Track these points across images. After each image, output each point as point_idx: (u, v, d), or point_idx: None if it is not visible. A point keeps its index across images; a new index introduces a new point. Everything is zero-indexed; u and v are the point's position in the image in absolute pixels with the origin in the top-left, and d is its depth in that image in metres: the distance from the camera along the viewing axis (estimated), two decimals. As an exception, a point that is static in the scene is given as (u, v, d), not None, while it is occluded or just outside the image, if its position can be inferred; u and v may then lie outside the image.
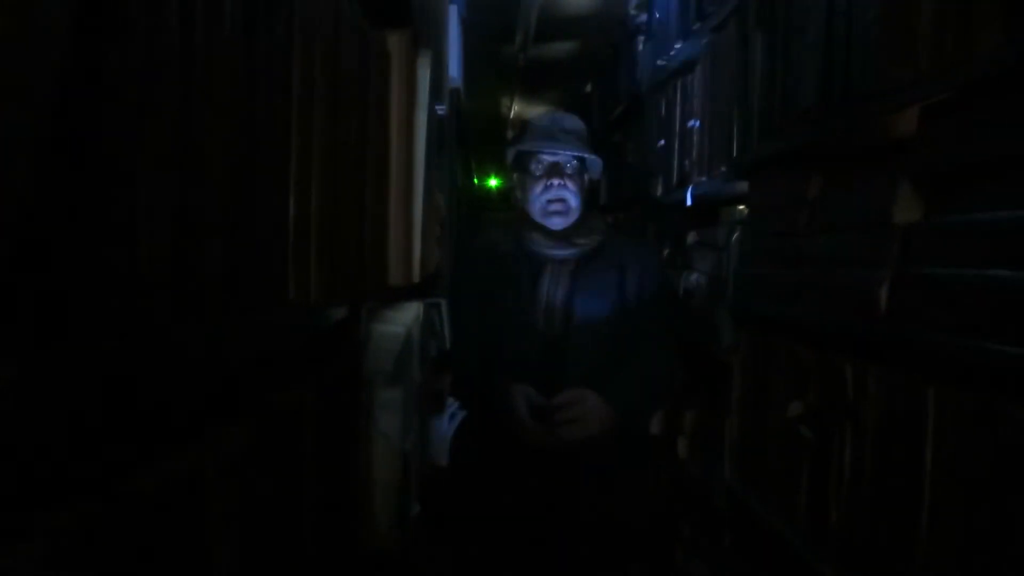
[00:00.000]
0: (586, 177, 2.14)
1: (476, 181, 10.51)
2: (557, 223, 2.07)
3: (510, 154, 2.17)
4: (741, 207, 2.36)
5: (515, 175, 2.20)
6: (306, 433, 0.86)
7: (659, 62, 3.04)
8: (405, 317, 1.43)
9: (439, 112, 2.32)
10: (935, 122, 1.20)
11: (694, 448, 2.41)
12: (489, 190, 11.92)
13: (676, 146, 2.78)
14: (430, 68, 1.48)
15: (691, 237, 2.86)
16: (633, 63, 3.75)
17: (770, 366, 1.82)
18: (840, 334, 1.45)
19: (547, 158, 2.07)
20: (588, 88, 4.97)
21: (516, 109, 6.03)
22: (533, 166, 2.08)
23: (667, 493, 2.50)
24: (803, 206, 1.67)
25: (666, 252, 3.02)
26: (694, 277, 2.52)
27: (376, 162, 1.16)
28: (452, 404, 2.12)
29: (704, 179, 2.36)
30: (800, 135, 1.62)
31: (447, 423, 2.04)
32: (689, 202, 2.45)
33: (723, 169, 2.13)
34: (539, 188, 2.07)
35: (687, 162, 2.63)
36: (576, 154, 2.06)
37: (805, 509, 1.60)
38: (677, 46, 2.79)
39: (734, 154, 2.09)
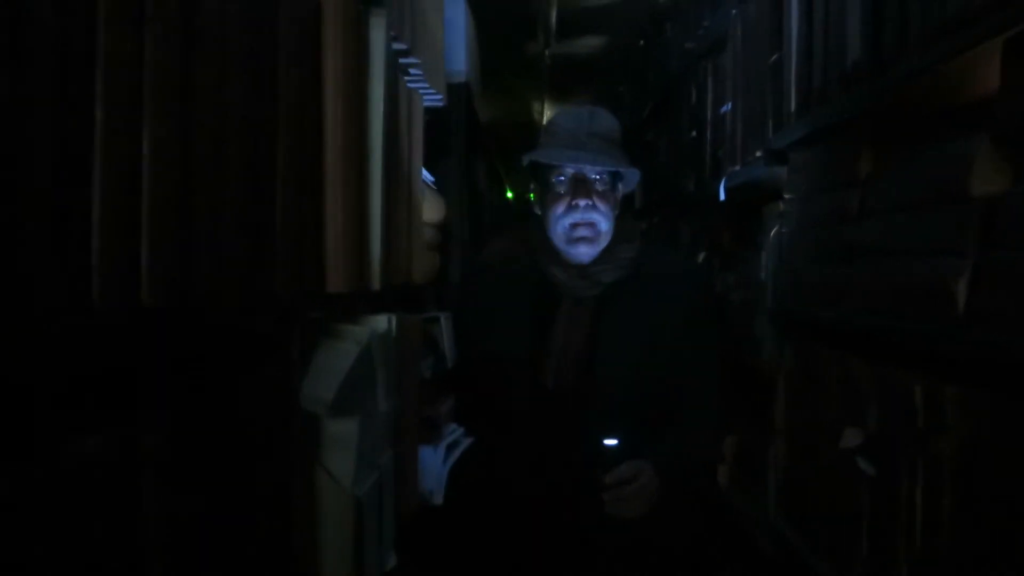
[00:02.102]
0: (620, 191, 1.75)
1: (510, 194, 10.18)
2: (584, 252, 1.70)
3: (525, 160, 1.80)
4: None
5: (533, 184, 1.86)
6: (144, 487, 0.61)
7: (687, 45, 2.75)
8: (362, 332, 1.17)
9: (434, 103, 2.06)
10: (1024, 60, 0.90)
11: (736, 477, 2.10)
12: (523, 201, 11.62)
13: (708, 135, 2.49)
14: (386, 33, 1.23)
15: (728, 237, 2.56)
16: (662, 52, 3.46)
17: (820, 383, 1.51)
18: (904, 343, 1.15)
19: (572, 171, 1.69)
20: (621, 88, 4.69)
21: (547, 114, 5.75)
22: (554, 180, 1.69)
23: (708, 517, 2.18)
24: (852, 187, 1.37)
25: (701, 255, 2.72)
26: (731, 281, 2.21)
27: (297, 140, 0.91)
28: (453, 431, 1.84)
29: (737, 168, 2.06)
30: (845, 100, 1.32)
31: (442, 455, 1.76)
32: (722, 196, 2.15)
33: (757, 154, 1.83)
34: (560, 208, 1.68)
35: (720, 152, 2.33)
36: (609, 168, 1.68)
37: (865, 562, 1.29)
38: (705, 24, 2.51)
39: (769, 136, 1.79)
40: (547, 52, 4.24)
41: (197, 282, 0.67)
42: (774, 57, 1.77)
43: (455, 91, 2.63)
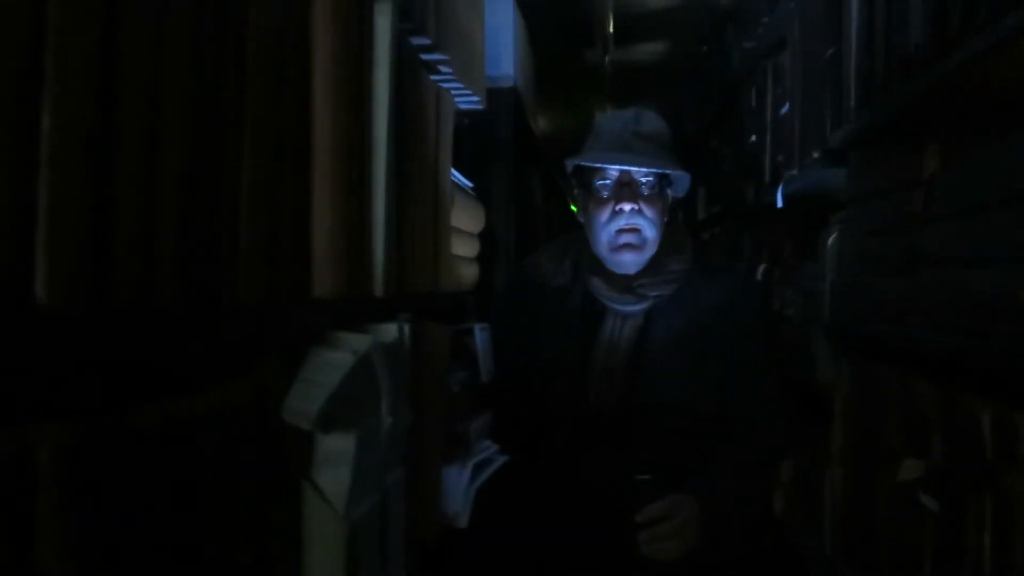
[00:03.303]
0: (669, 196, 1.63)
1: (575, 207, 10.05)
2: (629, 261, 1.58)
3: (568, 165, 1.72)
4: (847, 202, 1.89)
5: (576, 191, 1.74)
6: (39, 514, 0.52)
7: (746, 45, 2.61)
8: (361, 341, 1.09)
9: (471, 105, 1.98)
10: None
11: (792, 505, 1.94)
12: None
13: (768, 140, 2.34)
14: (393, 23, 1.14)
15: (789, 248, 2.40)
16: (724, 55, 3.31)
17: (880, 406, 1.36)
18: (974, 364, 1.00)
19: (617, 174, 1.57)
20: (684, 95, 4.53)
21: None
22: (598, 184, 1.58)
23: (759, 551, 2.01)
24: (916, 188, 1.22)
25: (761, 268, 2.56)
26: (789, 295, 2.06)
27: (271, 133, 0.82)
28: (486, 449, 1.74)
29: (795, 172, 1.91)
30: (906, 89, 1.17)
31: (469, 474, 1.66)
32: (780, 203, 2.00)
33: (815, 156, 1.68)
34: (605, 214, 1.57)
35: (780, 156, 2.18)
36: (656, 171, 1.56)
37: (928, 611, 1.14)
38: (764, 21, 2.36)
39: (827, 136, 1.64)
40: (607, 59, 4.13)
41: (121, 283, 0.59)
42: (832, 50, 1.62)
43: (501, 96, 2.54)
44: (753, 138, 2.54)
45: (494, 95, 2.55)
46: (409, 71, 1.33)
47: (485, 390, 1.85)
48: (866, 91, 1.43)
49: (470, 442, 1.74)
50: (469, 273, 2.01)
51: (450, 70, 1.65)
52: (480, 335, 1.98)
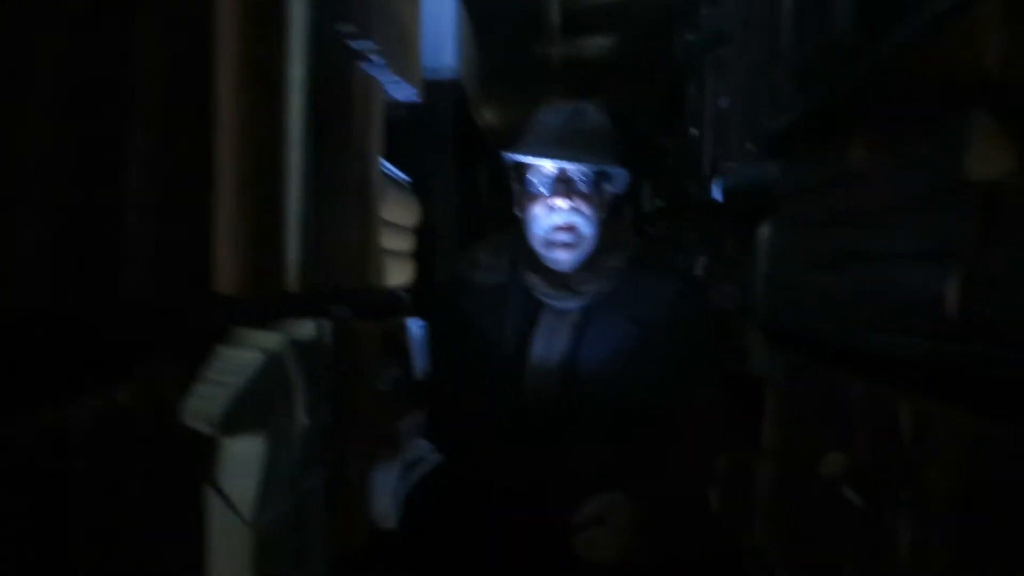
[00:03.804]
0: (607, 192, 1.59)
1: None
2: (564, 259, 1.54)
3: (508, 160, 1.67)
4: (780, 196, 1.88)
5: (514, 186, 1.70)
6: None
7: (689, 38, 2.60)
8: (271, 339, 1.04)
9: (406, 97, 1.93)
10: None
11: (727, 499, 1.93)
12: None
13: (709, 134, 2.33)
14: (309, 8, 1.09)
15: (731, 243, 2.40)
16: (670, 49, 3.31)
17: (810, 400, 1.35)
18: (892, 357, 0.99)
19: (554, 170, 1.52)
20: (634, 90, 4.52)
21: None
22: (534, 179, 1.54)
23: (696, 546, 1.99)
24: (843, 182, 1.21)
25: (703, 263, 2.56)
26: (728, 289, 2.05)
27: (162, 121, 0.77)
28: (418, 448, 1.70)
29: (733, 166, 1.90)
30: (834, 82, 1.16)
31: (399, 473, 1.62)
32: (719, 197, 1.99)
33: (748, 147, 1.67)
34: (540, 210, 1.52)
35: (721, 150, 2.17)
36: (592, 167, 1.52)
37: (853, 607, 1.13)
38: (705, 14, 2.35)
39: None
40: (554, 53, 4.09)
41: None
42: (769, 42, 1.61)
43: (442, 88, 2.50)
44: (695, 132, 2.53)
45: (434, 87, 2.50)
46: (332, 58, 1.28)
47: (419, 388, 1.81)
48: (799, 84, 1.42)
49: (401, 441, 1.70)
50: (403, 269, 1.97)
51: (381, 59, 1.60)
52: (415, 332, 1.93)
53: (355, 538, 1.41)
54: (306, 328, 1.20)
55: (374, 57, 1.58)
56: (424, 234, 2.22)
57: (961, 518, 0.83)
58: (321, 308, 1.27)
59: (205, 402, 0.93)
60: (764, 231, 1.63)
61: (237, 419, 0.96)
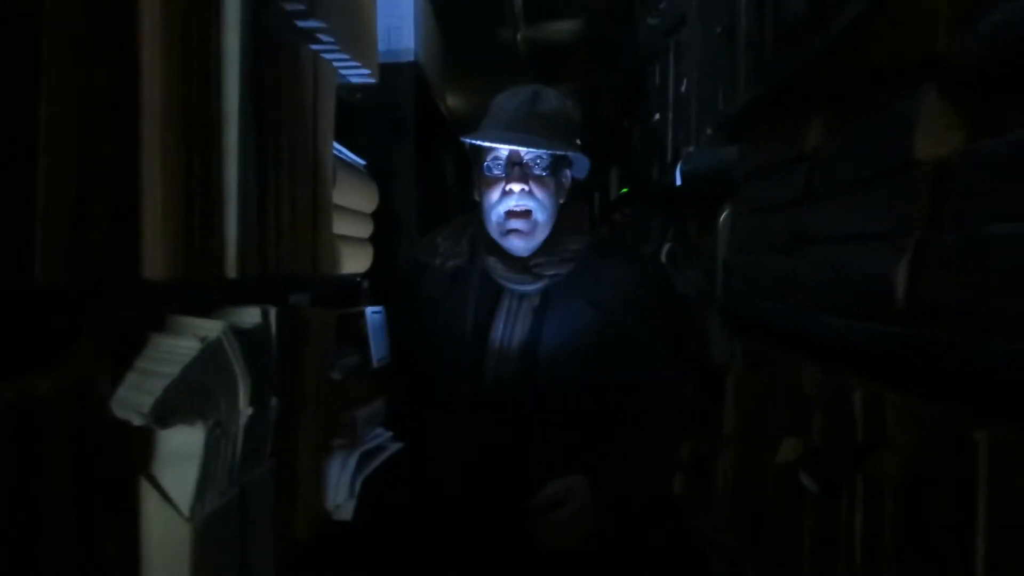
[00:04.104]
0: (566, 178, 1.58)
1: None
2: (517, 246, 1.53)
3: (465, 144, 1.64)
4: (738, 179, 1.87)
5: (473, 171, 1.68)
6: None
7: (651, 21, 2.58)
8: (210, 327, 1.00)
9: (362, 79, 1.89)
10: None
11: (689, 485, 1.92)
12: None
13: (670, 118, 2.31)
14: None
15: (694, 228, 2.39)
16: (632, 33, 3.28)
17: (768, 386, 1.34)
18: (845, 341, 0.97)
19: (508, 154, 1.51)
20: (600, 74, 4.49)
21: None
22: (490, 163, 1.54)
23: (659, 534, 1.98)
24: (800, 164, 1.20)
25: (666, 248, 2.55)
26: (689, 274, 2.04)
27: (83, 92, 0.73)
28: (376, 437, 1.67)
29: (691, 150, 1.88)
30: (787, 61, 1.14)
31: (355, 464, 1.58)
32: (679, 181, 1.98)
33: (707, 131, 1.66)
34: (495, 194, 1.52)
35: (681, 135, 2.16)
36: (547, 151, 1.50)
37: (808, 592, 1.12)
38: (666, -3, 2.34)
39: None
40: (519, 37, 4.06)
41: None
42: (725, 24, 1.59)
43: (401, 71, 2.45)
44: (657, 117, 2.51)
45: (393, 70, 2.46)
46: (277, 37, 1.24)
47: (377, 376, 1.77)
48: (756, 65, 1.40)
49: (357, 430, 1.66)
50: (360, 254, 1.93)
51: (331, 39, 1.55)
52: (372, 318, 1.90)
53: (306, 530, 1.37)
54: (250, 315, 1.16)
55: (324, 37, 1.53)
56: (384, 220, 2.18)
57: (910, 505, 0.82)
58: (268, 295, 1.23)
59: (136, 392, 0.89)
60: (723, 216, 1.62)
61: (171, 409, 0.92)
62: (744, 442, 1.45)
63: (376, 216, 2.11)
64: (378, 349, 1.80)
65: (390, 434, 1.71)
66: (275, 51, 1.22)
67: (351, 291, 1.94)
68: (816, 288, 1.09)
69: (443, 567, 1.60)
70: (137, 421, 0.88)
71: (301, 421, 1.39)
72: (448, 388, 1.65)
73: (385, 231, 2.21)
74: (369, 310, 1.87)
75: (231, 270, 1.04)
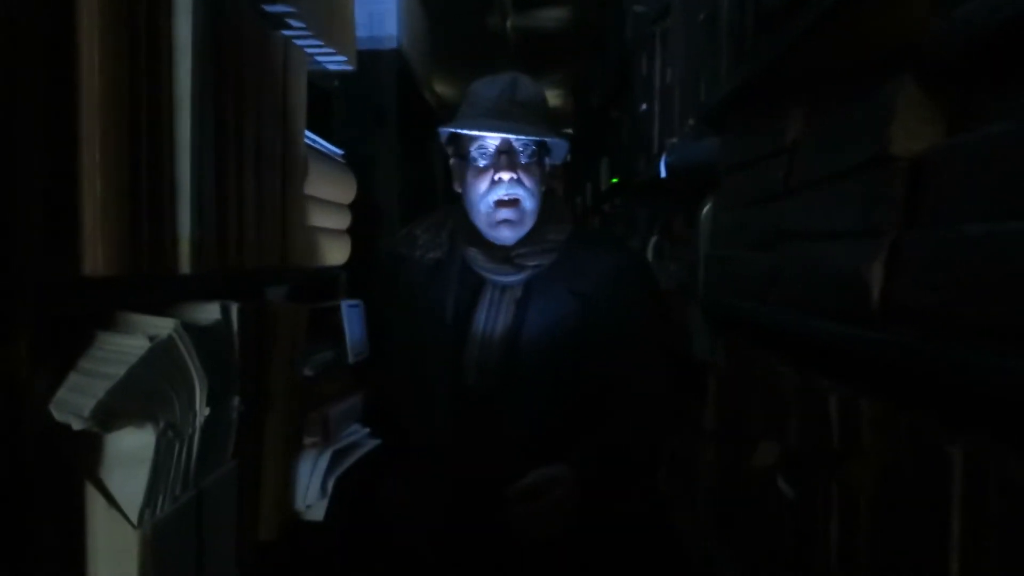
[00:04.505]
0: (547, 165, 1.56)
1: None
2: (507, 236, 1.51)
3: (443, 134, 1.61)
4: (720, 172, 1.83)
5: (452, 161, 1.65)
6: None
7: (637, 9, 2.53)
8: (160, 325, 0.96)
9: (336, 65, 1.84)
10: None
11: (671, 483, 1.89)
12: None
13: (656, 108, 2.26)
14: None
15: (680, 221, 2.35)
16: (621, 21, 3.23)
17: (748, 386, 1.30)
18: (821, 343, 0.94)
19: (496, 142, 1.49)
20: (589, 63, 4.43)
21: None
22: (475, 153, 1.50)
23: (640, 529, 1.95)
24: (780, 156, 1.16)
25: (653, 241, 2.51)
26: (674, 269, 2.00)
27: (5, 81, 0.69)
28: (352, 434, 1.63)
29: (675, 141, 1.84)
30: (767, 48, 1.10)
31: (327, 462, 1.54)
32: (663, 173, 1.94)
33: (690, 122, 1.61)
34: (483, 184, 1.49)
35: (666, 126, 2.11)
36: (535, 138, 1.48)
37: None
38: (653, -16, 2.29)
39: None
40: (508, 25, 4.00)
41: None
42: (708, 11, 1.55)
43: (383, 58, 2.40)
44: (644, 107, 2.47)
45: (375, 57, 2.41)
46: (238, 22, 1.19)
47: (355, 370, 1.74)
48: (737, 53, 1.36)
49: (330, 428, 1.62)
50: (337, 246, 1.88)
51: (302, 24, 1.51)
52: (348, 312, 1.86)
53: (272, 532, 1.33)
54: (209, 312, 1.12)
55: (294, 23, 1.49)
56: (364, 211, 2.14)
57: (884, 517, 0.78)
58: (239, 289, 1.19)
59: (77, 394, 0.85)
60: (705, 210, 1.58)
61: (116, 412, 0.88)
62: (724, 441, 1.41)
63: (356, 207, 2.06)
64: (355, 343, 1.76)
65: (366, 431, 1.67)
66: (237, 37, 1.18)
67: (329, 284, 1.90)
68: (795, 287, 1.05)
69: (423, 559, 1.57)
70: (77, 425, 0.84)
71: (268, 420, 1.35)
72: (429, 380, 1.62)
73: (366, 222, 2.17)
74: (345, 303, 1.83)
75: (184, 265, 1.00)
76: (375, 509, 1.65)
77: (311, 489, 1.53)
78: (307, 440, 1.55)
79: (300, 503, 1.49)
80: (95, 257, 0.82)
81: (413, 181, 2.96)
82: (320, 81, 1.90)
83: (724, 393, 1.44)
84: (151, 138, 0.92)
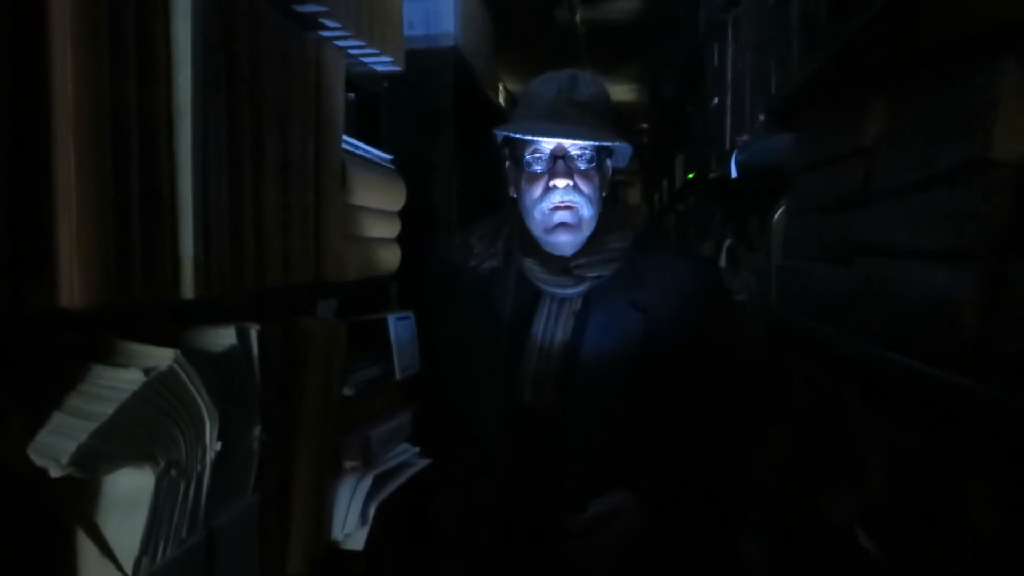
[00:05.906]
0: (608, 169, 1.45)
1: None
2: (564, 242, 1.40)
3: (498, 136, 1.51)
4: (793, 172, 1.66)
5: (507, 164, 1.54)
6: None
7: (708, -4, 2.36)
8: (158, 355, 0.88)
9: (381, 66, 1.75)
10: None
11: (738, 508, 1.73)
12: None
13: (728, 102, 2.10)
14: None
15: (756, 222, 2.19)
16: (694, 10, 3.05)
17: (821, 422, 1.15)
18: (912, 381, 0.79)
19: (550, 147, 1.39)
20: (661, 55, 4.24)
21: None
22: (529, 157, 1.40)
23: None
24: (858, 157, 1.00)
25: (727, 244, 2.34)
26: (745, 277, 1.85)
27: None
28: (399, 455, 1.54)
29: (746, 138, 1.68)
30: (843, 31, 0.95)
31: (368, 487, 1.46)
32: (733, 172, 1.78)
33: (761, 118, 1.46)
34: (538, 191, 1.39)
35: (739, 121, 1.95)
36: (591, 143, 1.37)
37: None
38: (723, -32, 2.12)
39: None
40: (577, 18, 3.86)
41: None
42: (780, -5, 1.39)
43: (439, 57, 2.31)
44: (715, 101, 2.31)
45: (430, 56, 2.32)
46: (255, 23, 1.11)
47: (403, 387, 1.65)
48: (810, 38, 1.20)
49: (371, 450, 1.54)
50: (385, 256, 1.80)
51: (338, 24, 1.42)
52: (396, 325, 1.77)
53: (303, 566, 1.26)
54: (223, 337, 1.04)
55: (329, 23, 1.40)
56: (418, 218, 2.05)
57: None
58: (247, 311, 1.11)
59: (57, 437, 0.78)
60: (778, 214, 1.42)
61: (102, 455, 0.81)
62: (792, 474, 1.26)
63: (408, 214, 1.98)
64: (403, 358, 1.68)
65: (416, 450, 1.58)
66: (253, 40, 1.10)
67: (378, 294, 1.82)
68: (872, 312, 0.90)
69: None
70: (55, 472, 0.76)
71: (299, 447, 1.27)
72: (483, 397, 1.52)
73: (420, 229, 2.09)
74: (392, 317, 1.75)
75: (188, 290, 0.92)
76: (425, 534, 1.56)
77: (350, 516, 1.44)
78: (347, 464, 1.47)
79: (338, 532, 1.41)
80: (70, 287, 0.75)
81: (477, 184, 2.86)
82: (368, 83, 1.82)
83: (795, 422, 1.29)
84: (145, 151, 0.85)
